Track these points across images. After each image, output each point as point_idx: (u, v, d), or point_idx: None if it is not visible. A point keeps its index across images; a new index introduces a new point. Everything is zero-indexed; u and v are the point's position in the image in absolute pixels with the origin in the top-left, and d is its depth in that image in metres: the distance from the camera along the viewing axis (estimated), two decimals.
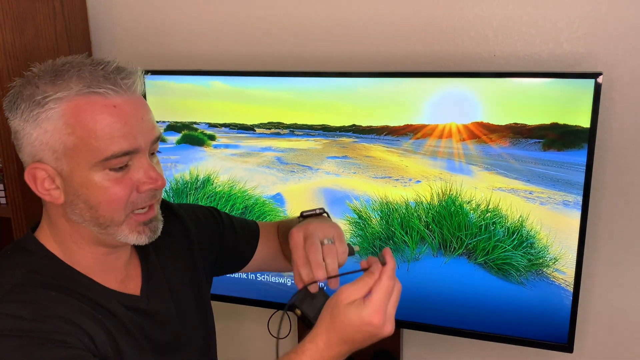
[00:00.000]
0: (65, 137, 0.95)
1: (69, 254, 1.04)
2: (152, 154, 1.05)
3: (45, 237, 1.05)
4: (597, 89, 1.44)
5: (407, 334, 1.97)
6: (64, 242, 1.04)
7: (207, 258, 1.30)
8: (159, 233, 1.07)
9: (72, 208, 1.00)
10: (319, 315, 0.99)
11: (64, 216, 1.02)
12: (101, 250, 1.06)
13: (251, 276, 1.89)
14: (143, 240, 1.04)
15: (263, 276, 1.88)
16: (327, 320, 0.97)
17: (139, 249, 1.16)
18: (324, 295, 1.04)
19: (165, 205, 1.25)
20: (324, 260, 1.05)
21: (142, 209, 1.03)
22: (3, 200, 1.84)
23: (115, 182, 0.98)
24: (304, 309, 1.03)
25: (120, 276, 1.10)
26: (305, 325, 1.04)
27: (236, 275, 1.87)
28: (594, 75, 1.44)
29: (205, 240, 1.29)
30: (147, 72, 1.81)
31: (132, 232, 1.03)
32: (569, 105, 1.47)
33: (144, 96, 1.84)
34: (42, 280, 0.99)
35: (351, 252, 1.10)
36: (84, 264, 1.05)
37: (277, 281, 1.87)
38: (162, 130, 1.83)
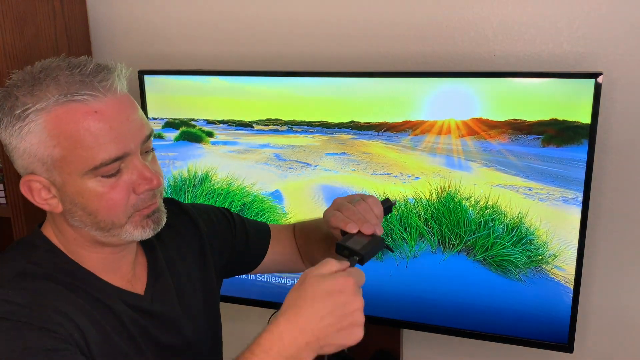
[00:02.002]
0: (52, 149, 0.92)
1: (74, 254, 1.03)
2: (147, 152, 1.02)
3: (51, 236, 1.04)
4: (597, 88, 1.44)
5: (407, 334, 1.97)
6: (69, 244, 1.03)
7: (219, 259, 1.28)
8: (162, 224, 1.05)
9: (72, 215, 0.98)
10: (366, 249, 1.01)
11: (66, 222, 1.01)
12: (107, 249, 1.04)
13: (251, 276, 1.88)
14: (147, 233, 1.02)
15: (263, 276, 1.87)
16: (294, 293, 0.91)
17: (145, 248, 1.15)
18: (369, 236, 1.05)
19: (176, 205, 1.25)
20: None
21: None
22: (3, 200, 1.83)
23: (110, 187, 0.96)
24: (349, 244, 1.02)
25: (128, 276, 1.09)
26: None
27: None
28: (594, 75, 1.44)
29: (217, 241, 1.28)
30: (147, 72, 1.83)
31: (137, 228, 1.01)
32: (569, 105, 1.47)
33: (142, 92, 1.85)
34: (45, 272, 0.98)
35: (389, 204, 1.16)
36: (90, 263, 1.04)
37: (278, 281, 1.87)
38: (159, 127, 1.83)
